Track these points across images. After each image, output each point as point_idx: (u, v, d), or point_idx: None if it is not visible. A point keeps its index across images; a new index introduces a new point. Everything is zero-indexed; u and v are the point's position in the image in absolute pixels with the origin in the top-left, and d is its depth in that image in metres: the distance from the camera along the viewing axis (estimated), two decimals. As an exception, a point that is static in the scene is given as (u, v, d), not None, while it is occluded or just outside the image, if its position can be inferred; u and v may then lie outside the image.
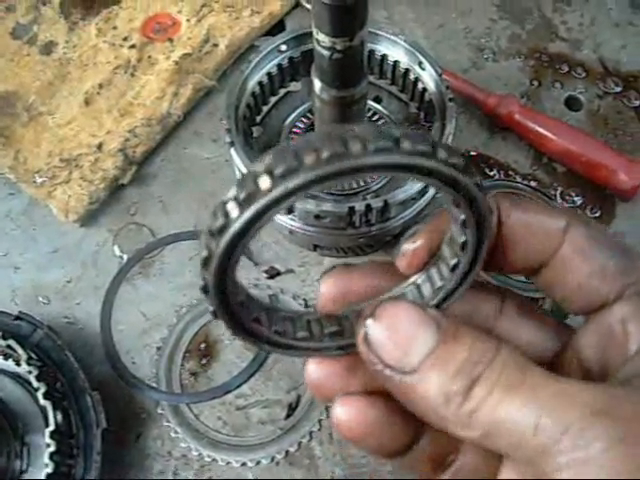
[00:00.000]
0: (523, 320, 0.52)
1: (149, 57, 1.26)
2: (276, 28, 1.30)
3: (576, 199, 1.14)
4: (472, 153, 1.18)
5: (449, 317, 0.44)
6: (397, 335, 0.42)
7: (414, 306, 0.44)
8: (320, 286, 0.52)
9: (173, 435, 1.00)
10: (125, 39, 1.29)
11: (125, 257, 1.12)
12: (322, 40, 0.79)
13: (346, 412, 0.48)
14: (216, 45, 1.25)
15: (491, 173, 1.16)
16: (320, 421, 1.00)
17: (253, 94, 1.03)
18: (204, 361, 1.06)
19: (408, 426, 0.49)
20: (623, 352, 0.45)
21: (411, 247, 0.50)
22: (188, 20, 1.28)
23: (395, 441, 0.50)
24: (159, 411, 1.02)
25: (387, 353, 0.42)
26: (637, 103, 1.23)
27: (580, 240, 0.47)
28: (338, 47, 0.79)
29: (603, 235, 0.49)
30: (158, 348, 1.06)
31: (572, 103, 1.24)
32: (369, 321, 0.44)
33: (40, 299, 1.11)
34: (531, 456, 0.39)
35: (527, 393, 0.39)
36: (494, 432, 0.40)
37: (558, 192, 1.14)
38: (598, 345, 0.47)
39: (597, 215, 1.13)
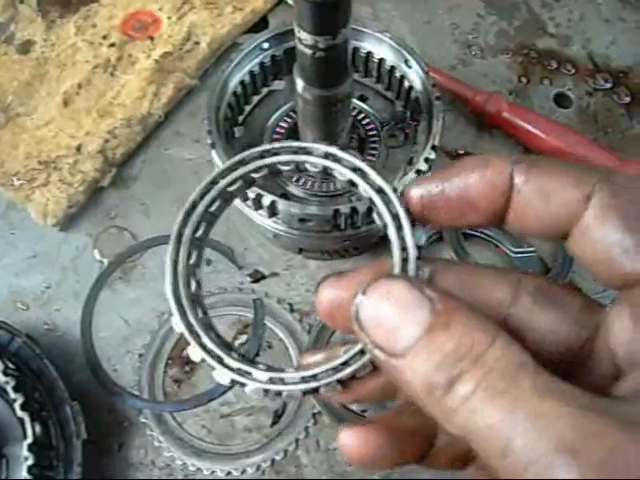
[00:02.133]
0: (542, 306, 0.47)
1: (129, 56, 1.23)
2: (259, 25, 1.28)
3: (566, 198, 1.12)
4: (460, 152, 1.16)
5: (449, 298, 0.40)
6: (386, 316, 0.40)
7: (409, 285, 0.40)
8: (317, 297, 0.49)
9: (156, 444, 0.98)
10: (104, 37, 1.26)
11: (105, 261, 1.10)
12: (304, 38, 0.77)
13: (349, 437, 0.46)
14: (198, 43, 1.23)
15: (479, 172, 1.14)
16: (307, 428, 0.98)
17: (235, 94, 1.00)
18: (187, 368, 1.03)
19: (418, 440, 0.48)
20: None
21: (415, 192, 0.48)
22: (169, 18, 1.26)
23: (406, 456, 0.48)
24: (142, 420, 1.00)
25: (376, 334, 0.40)
26: (627, 100, 1.21)
27: (598, 210, 0.43)
28: (321, 45, 0.77)
29: (630, 204, 0.43)
30: (140, 355, 1.03)
31: (561, 100, 1.22)
32: (359, 298, 0.41)
33: (18, 305, 1.08)
34: (502, 474, 0.36)
35: (506, 406, 0.35)
36: (471, 438, 0.37)
37: (547, 191, 1.12)
38: (626, 330, 0.42)
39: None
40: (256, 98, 1.07)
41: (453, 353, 0.37)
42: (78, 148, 1.14)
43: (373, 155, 1.03)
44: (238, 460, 0.97)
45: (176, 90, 1.19)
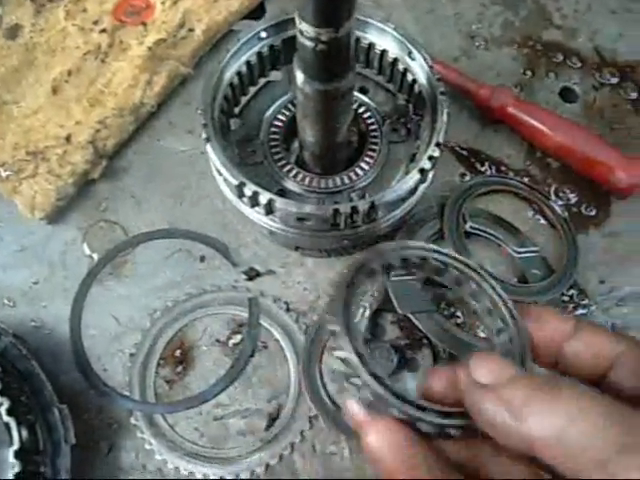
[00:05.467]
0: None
1: (121, 42, 1.18)
2: (255, 12, 1.23)
3: (570, 196, 1.09)
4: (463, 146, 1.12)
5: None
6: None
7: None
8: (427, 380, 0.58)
9: (147, 447, 0.95)
10: (95, 23, 1.21)
11: (95, 257, 1.06)
12: (305, 30, 0.73)
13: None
14: (192, 30, 1.18)
15: (482, 169, 1.11)
16: (302, 432, 0.95)
17: (231, 85, 0.97)
18: (180, 368, 1.00)
19: None
20: None
21: None
22: (163, 3, 1.21)
23: None
24: (132, 421, 0.96)
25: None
26: (634, 95, 1.17)
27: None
28: (323, 38, 0.73)
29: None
30: (131, 354, 1.00)
31: (567, 94, 1.18)
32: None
33: (5, 301, 1.05)
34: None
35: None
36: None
37: (552, 189, 1.09)
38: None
39: (592, 213, 1.08)
40: (253, 89, 1.03)
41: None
42: (67, 138, 1.10)
43: (374, 150, 1.00)
44: (231, 464, 0.94)
45: (169, 79, 1.15)
